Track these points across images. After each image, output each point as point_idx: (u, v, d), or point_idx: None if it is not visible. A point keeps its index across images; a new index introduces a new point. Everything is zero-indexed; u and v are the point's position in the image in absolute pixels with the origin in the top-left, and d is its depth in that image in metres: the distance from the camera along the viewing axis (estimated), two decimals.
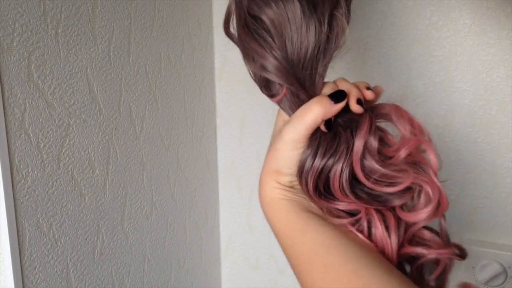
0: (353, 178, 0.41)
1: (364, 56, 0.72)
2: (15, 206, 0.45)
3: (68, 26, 0.51)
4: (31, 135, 0.47)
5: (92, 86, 0.55)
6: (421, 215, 0.41)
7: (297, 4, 0.39)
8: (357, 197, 0.41)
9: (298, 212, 0.42)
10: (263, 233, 0.89)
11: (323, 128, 0.41)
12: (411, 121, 0.42)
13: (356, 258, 0.37)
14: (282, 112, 0.44)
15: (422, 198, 0.42)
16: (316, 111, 0.40)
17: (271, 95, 0.43)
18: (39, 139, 0.48)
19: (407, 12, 0.68)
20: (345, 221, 0.41)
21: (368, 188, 0.41)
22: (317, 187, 0.41)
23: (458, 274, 0.71)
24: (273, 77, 0.41)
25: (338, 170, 0.40)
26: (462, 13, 0.65)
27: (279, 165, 0.42)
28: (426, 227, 0.43)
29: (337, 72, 0.43)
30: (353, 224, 0.41)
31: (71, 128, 0.52)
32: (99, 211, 0.57)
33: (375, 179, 0.40)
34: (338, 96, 0.41)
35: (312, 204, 0.43)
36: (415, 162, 0.41)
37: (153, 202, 0.69)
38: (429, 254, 0.41)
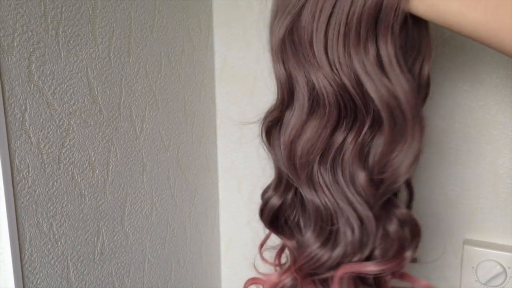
0: None
1: None
2: (15, 206, 0.46)
3: (69, 26, 0.51)
4: (32, 135, 0.47)
5: (93, 86, 0.55)
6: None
7: None
8: None
9: None
10: (263, 233, 0.89)
11: None
12: None
13: None
14: None
15: None
16: None
17: None
18: (40, 139, 0.48)
19: None
20: None
21: None
22: None
23: (458, 274, 0.72)
24: None
25: None
26: None
27: None
28: None
29: None
30: None
31: (71, 128, 0.52)
32: (99, 211, 0.57)
33: None
34: None
35: None
36: None
37: (153, 202, 0.69)
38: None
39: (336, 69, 0.40)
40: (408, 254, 0.46)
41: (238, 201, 0.89)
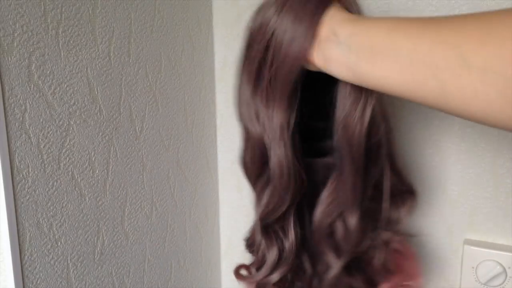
0: None
1: None
2: (15, 206, 0.46)
3: (69, 26, 0.51)
4: (32, 135, 0.47)
5: (93, 86, 0.55)
6: None
7: None
8: None
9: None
10: None
11: None
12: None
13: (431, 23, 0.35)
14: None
15: None
16: None
17: None
18: (40, 139, 0.48)
19: (407, 12, 0.68)
20: None
21: None
22: None
23: (458, 274, 0.72)
24: None
25: None
26: (462, 13, 0.65)
27: None
28: None
29: None
30: None
31: (71, 128, 0.52)
32: (99, 211, 0.57)
33: None
34: None
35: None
36: None
37: (153, 202, 0.69)
38: None
39: (263, 127, 0.47)
40: (273, 277, 0.56)
41: (238, 201, 0.89)
